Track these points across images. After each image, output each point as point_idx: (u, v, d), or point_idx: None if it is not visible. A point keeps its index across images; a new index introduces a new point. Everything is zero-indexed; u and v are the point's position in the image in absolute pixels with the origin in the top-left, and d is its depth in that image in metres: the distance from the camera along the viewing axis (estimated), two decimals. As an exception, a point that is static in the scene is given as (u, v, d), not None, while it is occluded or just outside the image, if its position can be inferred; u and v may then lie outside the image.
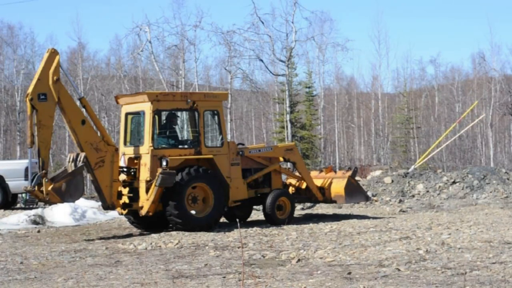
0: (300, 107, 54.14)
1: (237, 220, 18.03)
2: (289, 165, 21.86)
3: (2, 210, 24.16)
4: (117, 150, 17.26)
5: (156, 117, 17.35)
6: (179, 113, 18.23)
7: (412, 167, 29.08)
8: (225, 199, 17.72)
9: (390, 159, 60.00)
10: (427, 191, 25.82)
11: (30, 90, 16.42)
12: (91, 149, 16.81)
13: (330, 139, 65.90)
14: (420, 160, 26.54)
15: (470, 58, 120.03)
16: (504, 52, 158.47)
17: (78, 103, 17.65)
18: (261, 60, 41.74)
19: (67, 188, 16.57)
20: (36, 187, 16.40)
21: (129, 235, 17.12)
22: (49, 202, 17.87)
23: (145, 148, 17.20)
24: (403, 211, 22.13)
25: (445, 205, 23.77)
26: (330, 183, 19.62)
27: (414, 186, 26.23)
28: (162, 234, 16.85)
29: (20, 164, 26.67)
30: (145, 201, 17.01)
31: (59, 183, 16.49)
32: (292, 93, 47.61)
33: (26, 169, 25.72)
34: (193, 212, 17.23)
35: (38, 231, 18.35)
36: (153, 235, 16.77)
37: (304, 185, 19.75)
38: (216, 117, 17.99)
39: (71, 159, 16.92)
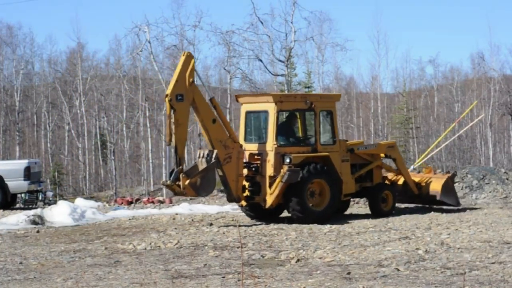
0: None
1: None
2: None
3: (1, 210, 24.12)
4: (241, 146, 18.30)
5: (279, 116, 18.44)
6: (297, 113, 19.06)
7: (412, 167, 29.02)
8: (339, 193, 18.71)
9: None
10: (427, 191, 25.74)
11: (169, 91, 17.42)
12: (220, 146, 18.00)
13: (329, 139, 65.81)
14: (420, 160, 26.46)
15: (469, 58, 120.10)
16: (503, 52, 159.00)
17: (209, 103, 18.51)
18: (260, 60, 41.73)
19: (201, 183, 17.67)
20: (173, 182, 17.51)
21: (129, 235, 17.11)
22: (185, 195, 19.37)
23: (269, 146, 18.30)
24: (403, 211, 22.12)
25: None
26: (429, 181, 20.65)
27: (413, 186, 26.15)
28: (162, 234, 16.86)
29: (19, 164, 26.63)
30: (269, 195, 18.12)
31: (194, 178, 17.61)
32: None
33: (25, 169, 25.75)
34: (310, 205, 18.26)
35: (38, 231, 18.33)
36: (152, 235, 16.77)
37: (400, 181, 20.78)
38: (329, 117, 19.11)
39: (201, 155, 18.00)
